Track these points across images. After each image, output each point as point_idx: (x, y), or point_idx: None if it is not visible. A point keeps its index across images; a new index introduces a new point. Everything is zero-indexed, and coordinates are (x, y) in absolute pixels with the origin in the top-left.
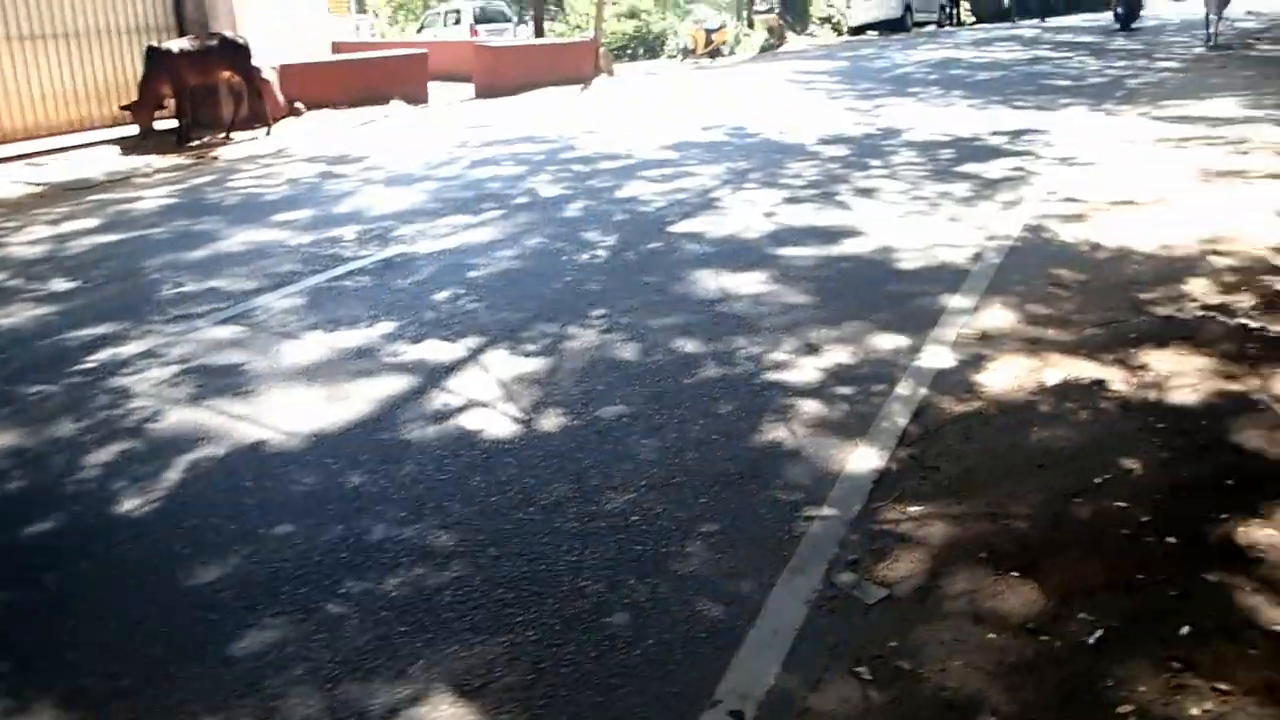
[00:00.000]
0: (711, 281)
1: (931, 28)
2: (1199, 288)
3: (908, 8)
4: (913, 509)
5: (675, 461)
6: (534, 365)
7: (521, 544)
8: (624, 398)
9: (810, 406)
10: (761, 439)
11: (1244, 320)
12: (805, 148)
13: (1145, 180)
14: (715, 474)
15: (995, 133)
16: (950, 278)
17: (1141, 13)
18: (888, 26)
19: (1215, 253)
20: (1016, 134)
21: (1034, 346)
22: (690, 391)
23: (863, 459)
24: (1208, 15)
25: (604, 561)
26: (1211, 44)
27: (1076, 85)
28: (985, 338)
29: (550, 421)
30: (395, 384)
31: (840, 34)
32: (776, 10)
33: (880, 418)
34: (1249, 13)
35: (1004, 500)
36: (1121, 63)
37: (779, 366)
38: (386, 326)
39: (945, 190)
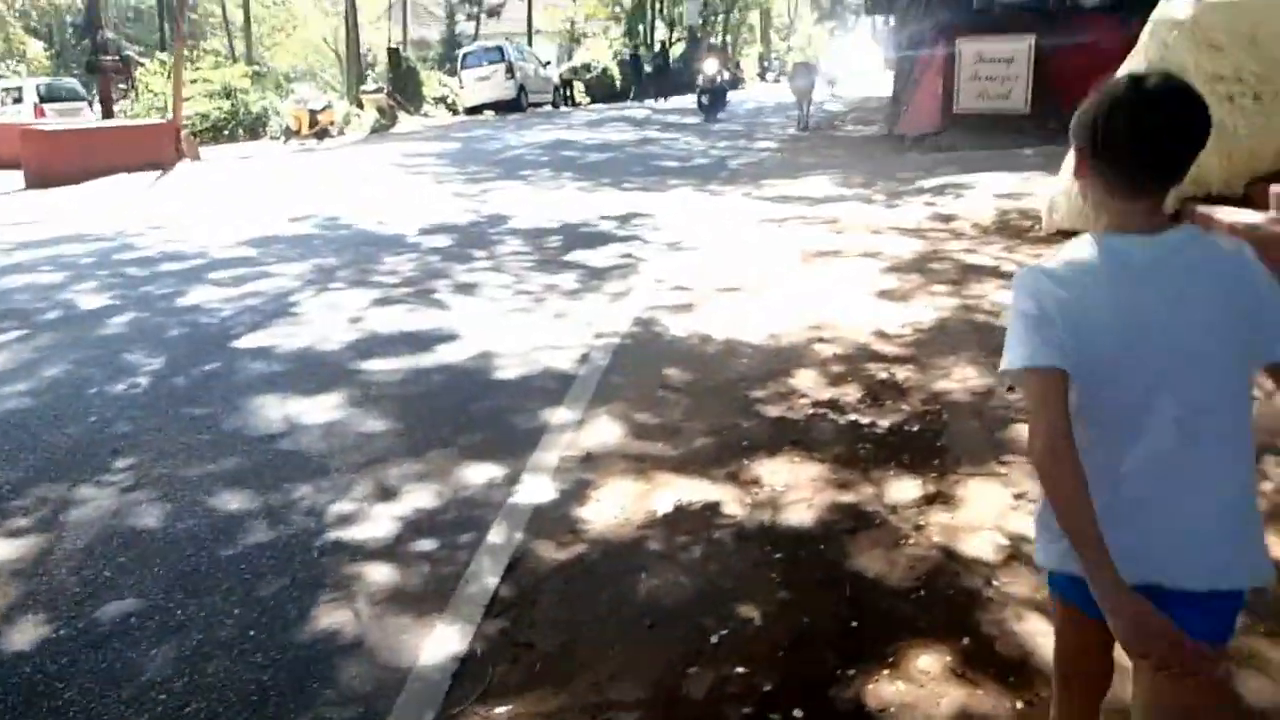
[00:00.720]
0: (276, 410)
1: (547, 108)
2: (807, 381)
3: (521, 88)
4: (499, 710)
5: (192, 678)
6: (18, 548)
7: None
8: (137, 586)
9: (381, 573)
10: (314, 629)
11: (853, 416)
12: (405, 239)
13: (750, 263)
14: (242, 693)
15: (604, 217)
16: (554, 386)
17: (728, 98)
18: (503, 107)
19: (821, 339)
20: (625, 218)
21: (642, 465)
22: (229, 568)
23: (442, 643)
24: (799, 99)
25: None
26: (803, 126)
27: (683, 166)
28: (590, 459)
29: (23, 636)
30: None
31: (456, 114)
32: (386, 89)
33: (466, 580)
34: (833, 95)
35: (610, 682)
36: (724, 143)
37: (346, 520)
38: None
39: (552, 282)
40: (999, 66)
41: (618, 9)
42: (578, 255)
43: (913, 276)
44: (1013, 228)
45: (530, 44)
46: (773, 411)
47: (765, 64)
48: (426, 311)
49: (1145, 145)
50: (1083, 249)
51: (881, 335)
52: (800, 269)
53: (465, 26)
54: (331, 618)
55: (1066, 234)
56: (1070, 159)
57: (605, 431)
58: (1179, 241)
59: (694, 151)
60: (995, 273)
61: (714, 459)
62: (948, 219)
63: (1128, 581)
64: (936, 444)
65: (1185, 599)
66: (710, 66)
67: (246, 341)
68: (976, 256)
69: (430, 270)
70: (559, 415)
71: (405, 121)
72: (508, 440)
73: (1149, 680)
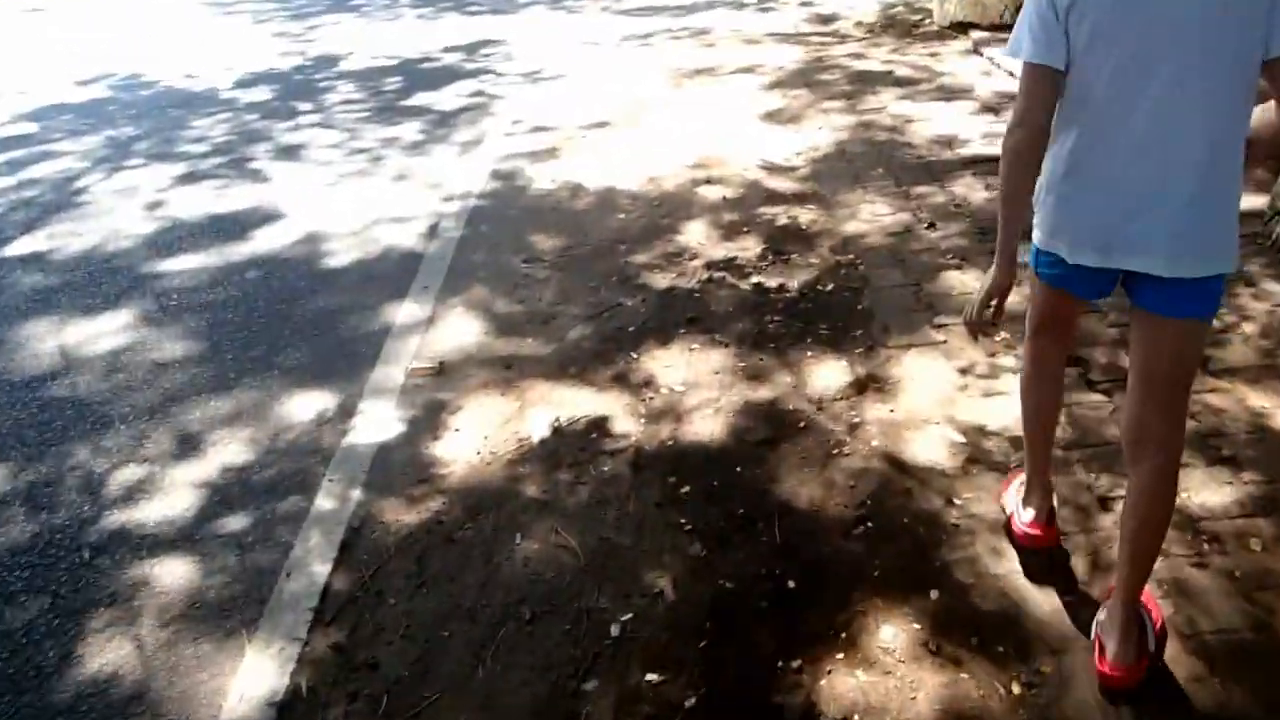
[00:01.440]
0: (48, 340)
1: None
2: (697, 235)
3: None
4: None
5: None
6: None
7: None
8: None
9: (175, 575)
10: (78, 678)
11: (756, 277)
12: (217, 95)
13: (618, 91)
14: None
15: (449, 49)
16: (397, 273)
17: None
18: None
19: (707, 180)
20: (473, 48)
21: (510, 375)
22: None
23: (254, 679)
24: None
25: None
26: None
27: None
28: (444, 371)
29: None
30: None
31: None
32: None
33: (288, 572)
34: None
35: (480, 714)
36: None
37: (131, 497)
38: None
39: (391, 135)
40: None
41: None
42: (421, 98)
43: (800, 92)
44: (900, 24)
45: None
46: (661, 281)
47: None
48: (242, 187)
49: None
50: None
51: (774, 169)
52: (674, 94)
53: None
54: (104, 657)
55: (962, 26)
56: None
57: (462, 329)
58: None
59: None
60: (890, 79)
61: (595, 354)
62: (828, 20)
63: (1110, 263)
64: (858, 307)
65: (1164, 282)
66: None
67: (16, 248)
68: (866, 62)
69: (247, 133)
70: (404, 312)
71: None
72: (341, 354)
73: (1143, 351)
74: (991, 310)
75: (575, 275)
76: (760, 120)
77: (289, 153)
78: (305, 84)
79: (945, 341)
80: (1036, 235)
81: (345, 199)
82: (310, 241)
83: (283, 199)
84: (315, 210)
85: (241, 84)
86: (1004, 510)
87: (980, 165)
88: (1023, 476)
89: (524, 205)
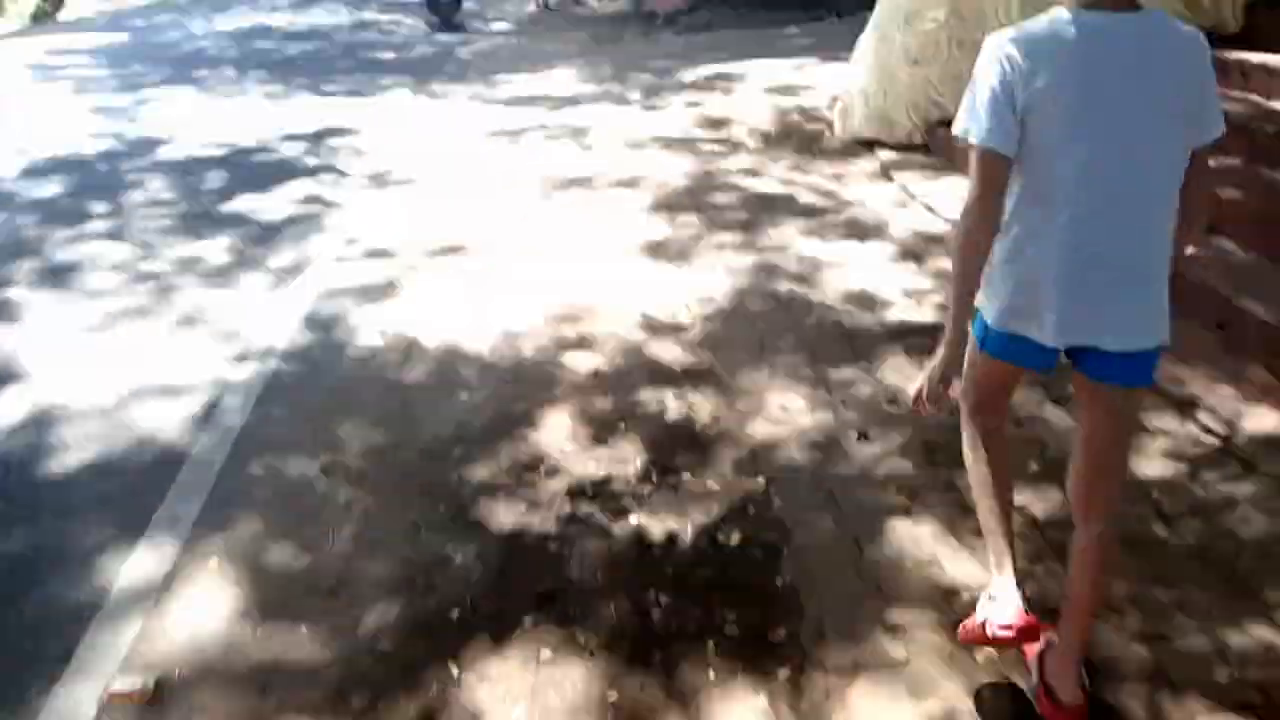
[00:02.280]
0: None
1: None
2: (559, 433)
3: None
4: None
5: None
6: None
7: None
8: None
9: None
10: None
11: (637, 518)
12: None
13: (478, 202)
14: None
15: (291, 136)
16: (141, 487)
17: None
18: None
19: (576, 340)
20: (319, 137)
21: (261, 708)
22: None
23: None
24: None
25: None
26: (544, 3)
27: (401, 58)
28: (161, 698)
29: None
30: None
31: None
32: None
33: None
34: None
35: None
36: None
37: None
38: None
39: (193, 254)
40: None
41: None
42: (243, 202)
43: (689, 219)
44: (799, 134)
45: None
46: (505, 517)
47: None
48: None
49: None
50: (1055, 20)
51: (659, 328)
52: (542, 210)
53: None
54: None
55: (865, 144)
56: (860, 41)
57: (206, 610)
58: (1143, 19)
59: (416, 38)
60: (793, 207)
61: (397, 668)
62: (719, 124)
63: (1068, 342)
64: (777, 581)
65: (1112, 354)
66: None
67: None
68: (764, 181)
69: (13, 244)
70: (132, 568)
71: (76, 5)
72: (15, 651)
73: (1091, 417)
74: (943, 389)
75: (389, 501)
76: (642, 253)
77: (55, 278)
78: (109, 176)
79: (908, 663)
80: (988, 312)
81: (107, 353)
82: (37, 425)
83: (24, 350)
84: (61, 370)
85: (31, 172)
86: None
87: (911, 338)
88: (1039, 643)
89: (339, 374)
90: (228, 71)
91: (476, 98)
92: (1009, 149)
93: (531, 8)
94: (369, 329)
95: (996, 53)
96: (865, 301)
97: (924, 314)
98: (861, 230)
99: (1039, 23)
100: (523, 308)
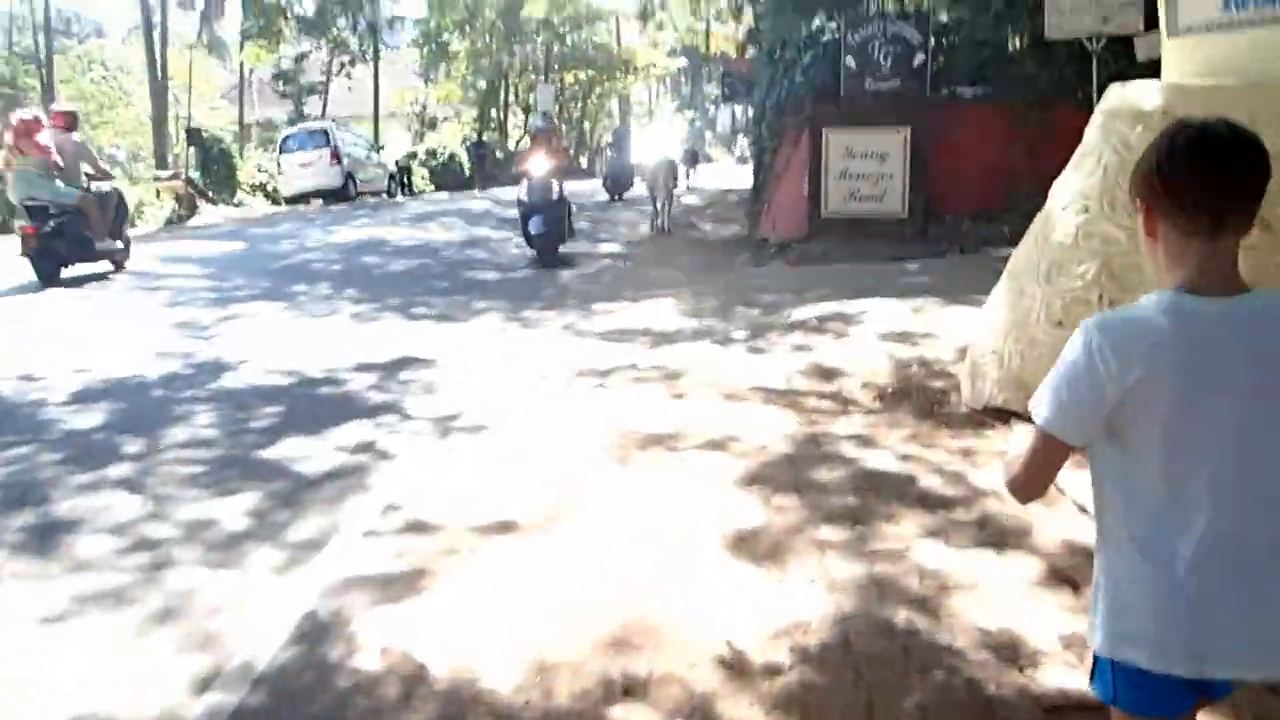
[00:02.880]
0: None
1: (382, 196)
2: None
3: (349, 175)
4: None
5: None
6: None
7: None
8: None
9: None
10: None
11: None
12: (38, 412)
13: (545, 463)
14: None
15: (364, 365)
16: None
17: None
18: (330, 195)
19: (626, 690)
20: (391, 368)
21: None
22: None
23: None
24: (652, 193)
25: None
26: (659, 226)
27: (503, 278)
28: None
29: None
30: None
31: (278, 203)
32: (182, 175)
33: None
34: (689, 189)
35: None
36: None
37: None
38: None
39: (208, 517)
40: (871, 163)
41: (472, 93)
42: (288, 446)
43: (787, 500)
44: (920, 394)
45: (377, 127)
46: None
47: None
48: None
49: (1211, 166)
50: (1151, 311)
51: (740, 671)
52: (615, 478)
53: (316, 107)
54: None
55: (999, 413)
56: (994, 293)
57: None
58: (1257, 302)
59: (521, 258)
60: (912, 494)
61: None
62: (829, 375)
63: (1183, 674)
64: None
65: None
66: (538, 166)
67: None
68: (878, 454)
69: (21, 486)
70: None
71: (209, 212)
72: None
73: None
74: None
75: None
76: (725, 549)
77: (43, 541)
78: (158, 406)
79: None
80: (1102, 646)
81: (49, 658)
82: None
83: None
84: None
85: (80, 397)
86: None
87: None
88: None
89: (315, 716)
90: (323, 288)
91: (570, 329)
92: (1078, 440)
93: (645, 229)
94: (372, 644)
95: (1090, 342)
96: (1007, 652)
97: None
98: (999, 535)
99: (1135, 310)
100: (569, 623)
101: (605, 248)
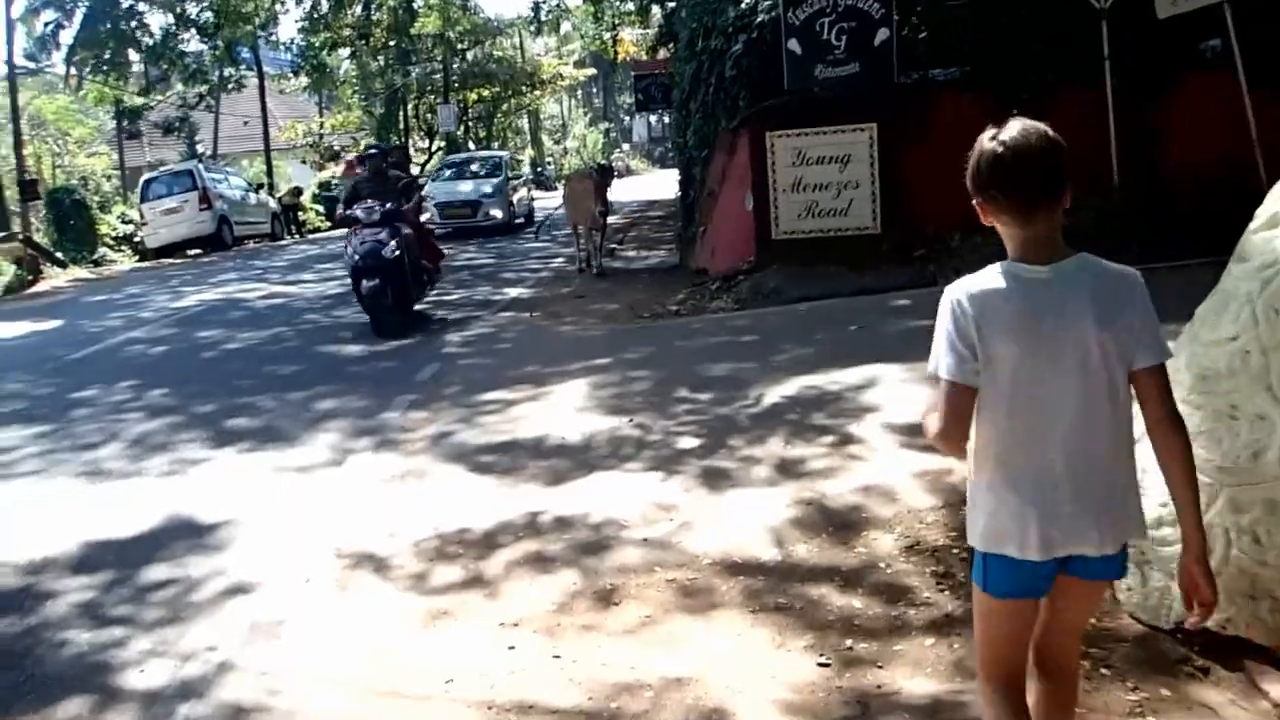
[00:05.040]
0: None
1: (265, 241)
2: None
3: (223, 220)
4: None
5: None
6: None
7: None
8: None
9: None
10: None
11: None
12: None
13: None
14: None
15: (98, 548)
16: None
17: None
18: (205, 243)
19: None
20: (145, 549)
21: None
22: None
23: None
24: (573, 227)
25: None
26: (587, 266)
27: (371, 351)
28: None
29: None
30: None
31: (145, 258)
32: (20, 236)
33: None
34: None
35: None
36: (457, 293)
37: None
38: None
39: None
40: (830, 170)
41: (365, 117)
42: None
43: None
44: None
45: (270, 162)
46: None
47: (539, 169)
48: None
49: (1010, 177)
50: (992, 277)
51: None
52: None
53: (210, 145)
54: None
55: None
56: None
57: None
58: (1069, 265)
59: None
60: None
61: None
62: (845, 528)
63: (1054, 554)
64: None
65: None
66: (365, 212)
67: None
68: None
69: None
70: None
71: (56, 276)
72: None
73: (1065, 595)
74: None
75: None
76: None
77: None
78: None
79: None
80: (980, 544)
81: None
82: None
83: None
84: None
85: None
86: None
87: None
88: None
89: None
90: (119, 391)
91: (440, 445)
92: (971, 379)
93: (560, 263)
94: None
95: (951, 306)
96: None
97: None
98: None
99: (981, 277)
100: None
101: (510, 292)
